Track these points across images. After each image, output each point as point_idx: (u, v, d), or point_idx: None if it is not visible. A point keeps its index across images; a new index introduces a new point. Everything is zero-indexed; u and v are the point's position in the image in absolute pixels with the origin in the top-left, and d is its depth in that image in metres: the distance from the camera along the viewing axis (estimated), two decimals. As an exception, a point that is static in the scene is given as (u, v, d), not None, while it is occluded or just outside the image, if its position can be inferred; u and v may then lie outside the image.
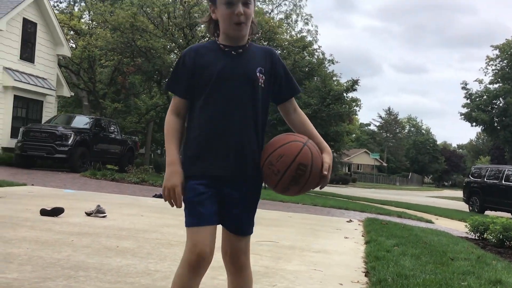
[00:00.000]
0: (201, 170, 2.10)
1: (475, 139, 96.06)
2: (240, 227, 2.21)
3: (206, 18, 2.24)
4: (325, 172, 2.10)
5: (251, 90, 2.12)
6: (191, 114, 2.16)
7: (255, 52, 2.19)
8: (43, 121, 19.64)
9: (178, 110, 2.18)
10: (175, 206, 2.11)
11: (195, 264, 2.05)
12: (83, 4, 32.15)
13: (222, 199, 2.12)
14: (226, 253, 2.27)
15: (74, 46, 26.89)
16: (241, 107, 2.10)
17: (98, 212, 6.60)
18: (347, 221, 9.20)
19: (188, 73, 2.14)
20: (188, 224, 2.09)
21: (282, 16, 34.61)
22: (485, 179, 19.14)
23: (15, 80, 18.22)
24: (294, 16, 35.85)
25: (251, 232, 2.25)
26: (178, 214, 7.66)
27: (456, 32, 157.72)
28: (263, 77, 2.15)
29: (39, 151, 16.43)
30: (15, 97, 18.70)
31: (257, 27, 2.22)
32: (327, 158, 2.14)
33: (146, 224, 6.28)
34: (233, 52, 2.14)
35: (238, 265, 2.25)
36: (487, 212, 17.75)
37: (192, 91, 2.15)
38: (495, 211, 17.91)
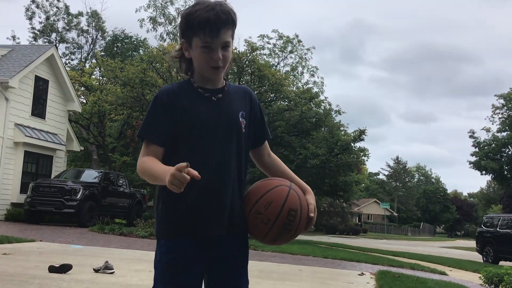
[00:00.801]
0: (190, 229, 1.86)
1: (486, 187, 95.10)
2: None
3: (177, 54, 2.01)
4: (312, 214, 1.96)
5: (236, 138, 1.95)
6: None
7: (234, 94, 2.02)
8: (52, 176, 19.76)
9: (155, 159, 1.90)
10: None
11: None
12: (94, 61, 33.02)
13: (210, 263, 1.91)
14: None
15: (84, 101, 27.42)
16: (228, 158, 1.92)
17: (106, 268, 6.54)
18: (359, 274, 9.02)
19: (166, 116, 1.90)
20: None
21: (288, 68, 35.25)
22: (498, 229, 18.82)
23: (26, 136, 18.49)
24: (300, 68, 36.46)
25: None
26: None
27: (463, 81, 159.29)
28: (244, 122, 1.99)
29: (48, 206, 16.45)
30: (26, 152, 18.92)
31: (231, 64, 2.03)
32: (311, 199, 2.00)
33: (155, 280, 6.20)
34: (213, 98, 1.95)
35: None
36: (502, 263, 17.35)
37: (169, 139, 1.91)
38: (510, 261, 17.52)
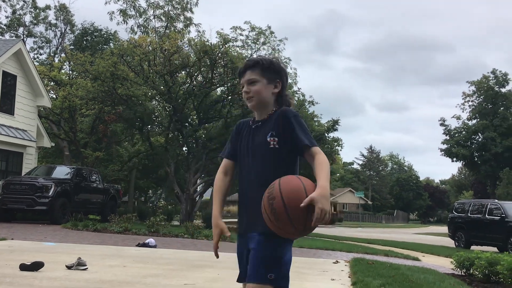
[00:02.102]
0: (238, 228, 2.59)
1: (457, 174, 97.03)
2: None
3: None
4: (302, 204, 2.19)
5: (264, 153, 2.49)
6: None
7: (270, 119, 2.54)
8: (23, 173, 19.39)
9: (226, 169, 2.65)
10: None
11: None
12: (63, 55, 32.39)
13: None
14: None
15: (54, 96, 26.89)
16: (253, 170, 2.50)
17: (79, 264, 6.46)
18: (334, 262, 9.12)
19: (232, 140, 2.68)
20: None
21: (261, 60, 35.17)
22: (469, 214, 19.23)
23: (-6, 132, 18.08)
24: (273, 60, 36.41)
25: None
26: (163, 264, 7.55)
27: (436, 70, 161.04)
28: (275, 139, 2.48)
29: (20, 204, 16.16)
30: (-5, 149, 18.51)
31: (287, 99, 2.63)
32: (317, 195, 2.22)
33: (129, 275, 6.15)
34: (253, 126, 2.60)
35: None
36: (473, 247, 17.75)
37: (235, 155, 2.64)
38: (481, 245, 17.93)
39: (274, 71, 2.57)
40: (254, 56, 35.03)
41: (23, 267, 6.12)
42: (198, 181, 25.96)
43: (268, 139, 2.47)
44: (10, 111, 19.70)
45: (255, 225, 2.40)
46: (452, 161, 45.98)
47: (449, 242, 20.93)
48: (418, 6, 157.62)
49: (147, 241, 10.69)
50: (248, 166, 2.52)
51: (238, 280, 2.51)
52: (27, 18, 35.68)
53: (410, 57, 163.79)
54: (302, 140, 2.45)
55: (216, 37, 23.77)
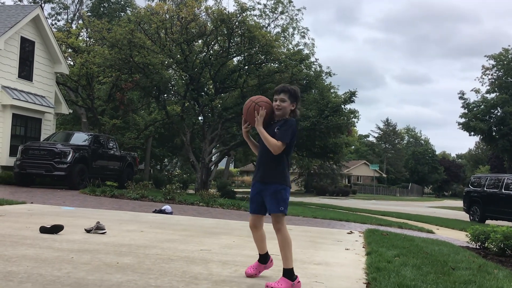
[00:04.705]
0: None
1: (474, 148, 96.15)
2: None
3: None
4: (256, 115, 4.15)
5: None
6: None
7: (282, 121, 4.14)
8: (41, 139, 19.65)
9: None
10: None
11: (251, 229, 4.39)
12: (80, 22, 32.34)
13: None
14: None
15: (72, 63, 26.99)
16: (264, 151, 4.17)
17: (98, 228, 6.58)
18: (348, 233, 9.17)
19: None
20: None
21: (278, 30, 34.83)
22: (485, 188, 19.12)
23: (13, 98, 18.27)
24: (290, 30, 36.04)
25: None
26: (179, 230, 7.67)
27: (459, 41, 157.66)
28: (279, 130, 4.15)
29: (38, 169, 16.42)
30: (14, 115, 18.74)
31: (296, 113, 4.22)
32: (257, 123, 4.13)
33: (146, 240, 6.26)
34: (271, 122, 4.22)
35: (275, 229, 4.14)
36: (488, 222, 17.71)
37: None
38: (496, 220, 17.87)
39: (295, 97, 4.20)
40: (272, 25, 34.63)
41: (43, 230, 6.26)
42: (214, 151, 26.09)
43: (276, 130, 4.09)
44: (28, 77, 19.85)
45: (267, 177, 4.14)
46: (470, 135, 45.39)
47: (464, 216, 20.89)
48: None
49: (163, 208, 10.84)
50: (262, 145, 4.17)
51: (251, 212, 4.31)
52: (45, -16, 35.55)
53: (433, 28, 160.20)
54: (277, 135, 4.07)
55: (233, 6, 23.45)
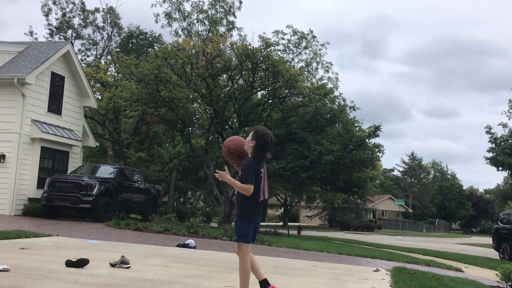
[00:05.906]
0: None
1: (503, 183, 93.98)
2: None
3: None
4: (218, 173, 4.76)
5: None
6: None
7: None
8: (68, 171, 19.96)
9: None
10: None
11: None
12: (109, 57, 33.20)
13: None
14: None
15: (100, 97, 27.59)
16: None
17: (122, 263, 6.60)
18: (374, 270, 8.99)
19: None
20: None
21: (302, 64, 35.13)
22: (515, 225, 18.61)
23: (42, 132, 18.69)
24: (314, 64, 36.33)
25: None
26: (202, 265, 7.63)
27: (487, 75, 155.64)
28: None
29: (65, 201, 16.63)
30: (42, 148, 19.12)
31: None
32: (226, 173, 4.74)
33: (170, 275, 6.24)
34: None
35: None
36: (519, 260, 17.16)
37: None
38: (527, 258, 17.32)
39: (256, 135, 4.72)
40: (296, 60, 34.94)
41: (69, 264, 6.30)
42: (237, 184, 26.04)
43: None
44: (57, 111, 20.33)
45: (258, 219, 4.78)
46: (498, 170, 44.45)
47: (493, 254, 20.30)
48: (469, 9, 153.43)
49: (187, 242, 10.82)
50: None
51: (249, 242, 4.71)
52: (76, 21, 36.73)
53: (460, 62, 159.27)
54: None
55: (258, 41, 23.81)
